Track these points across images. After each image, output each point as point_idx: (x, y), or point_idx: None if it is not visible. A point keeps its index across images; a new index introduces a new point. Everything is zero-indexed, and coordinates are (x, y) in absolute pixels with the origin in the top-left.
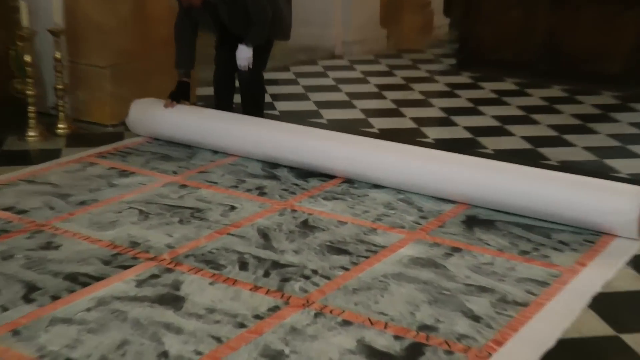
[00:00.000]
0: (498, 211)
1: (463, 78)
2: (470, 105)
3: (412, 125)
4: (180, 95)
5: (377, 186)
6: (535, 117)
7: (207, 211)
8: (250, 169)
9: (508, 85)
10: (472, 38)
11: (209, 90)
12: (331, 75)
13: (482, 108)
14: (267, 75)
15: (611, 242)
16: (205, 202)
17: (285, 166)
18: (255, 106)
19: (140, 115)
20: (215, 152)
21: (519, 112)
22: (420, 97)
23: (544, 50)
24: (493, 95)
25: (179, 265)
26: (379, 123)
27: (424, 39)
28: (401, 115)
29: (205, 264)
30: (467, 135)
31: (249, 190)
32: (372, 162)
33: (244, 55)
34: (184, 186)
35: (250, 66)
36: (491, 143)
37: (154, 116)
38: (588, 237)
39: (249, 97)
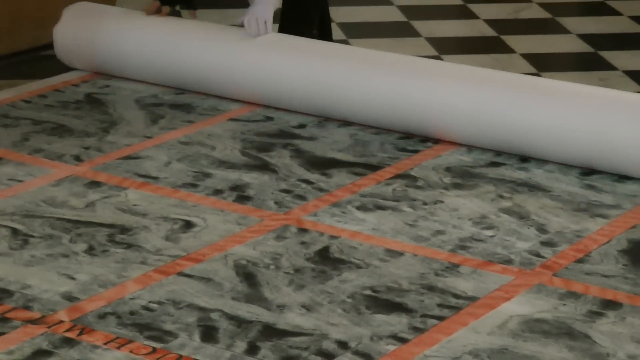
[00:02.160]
0: None
1: None
2: (596, 0)
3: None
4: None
5: (458, 184)
6: None
7: (140, 232)
8: (221, 152)
9: None
10: None
11: None
12: None
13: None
14: None
15: None
16: (135, 214)
17: (290, 147)
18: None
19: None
20: (157, 118)
21: None
22: (545, 15)
23: None
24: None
25: (87, 333)
26: None
27: None
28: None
29: (136, 330)
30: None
31: (217, 193)
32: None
33: (258, 8)
34: (95, 184)
35: (268, 29)
36: None
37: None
38: None
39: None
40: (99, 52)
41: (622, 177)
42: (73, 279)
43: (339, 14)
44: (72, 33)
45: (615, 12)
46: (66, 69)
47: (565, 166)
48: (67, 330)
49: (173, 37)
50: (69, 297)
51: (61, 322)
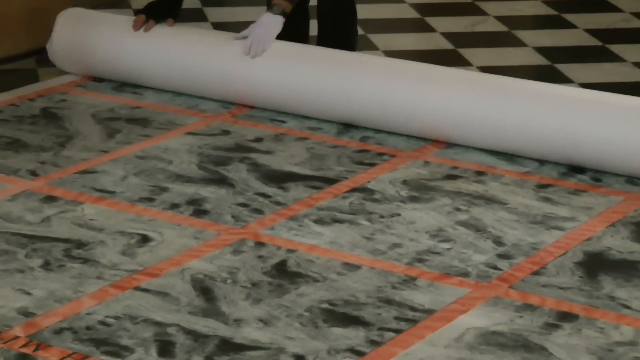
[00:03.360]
0: None
1: None
2: (596, 43)
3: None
4: (162, 9)
5: (415, 197)
6: None
7: (96, 247)
8: (178, 166)
9: None
10: None
11: None
12: None
13: (620, 50)
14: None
15: None
16: (92, 229)
17: (247, 161)
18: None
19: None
20: (114, 132)
21: None
22: (502, 28)
23: None
24: (639, 25)
25: (43, 349)
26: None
27: None
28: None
29: (93, 345)
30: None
31: (174, 207)
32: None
33: (265, 31)
34: (50, 199)
35: (264, 48)
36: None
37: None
38: None
39: (331, 32)
40: (99, 56)
41: (578, 190)
42: (29, 294)
43: None
44: (68, 38)
45: (570, 25)
46: (23, 83)
47: (521, 179)
48: (23, 346)
49: (176, 42)
50: (25, 313)
51: (17, 337)
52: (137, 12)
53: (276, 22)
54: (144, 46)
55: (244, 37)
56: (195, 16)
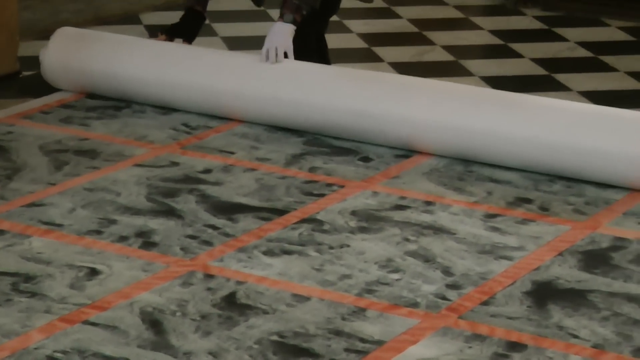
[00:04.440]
0: (594, 272)
1: (527, 20)
2: (536, 70)
3: None
4: (181, 29)
5: (364, 228)
6: None
7: (44, 280)
8: (126, 198)
9: (611, 33)
10: None
11: None
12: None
13: (561, 77)
14: (153, 18)
15: None
16: (39, 262)
17: (196, 193)
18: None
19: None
20: (62, 164)
21: (633, 86)
22: (449, 57)
23: None
24: (584, 54)
25: None
26: None
27: None
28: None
29: None
30: None
31: (123, 240)
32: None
33: (279, 38)
34: None
35: (288, 56)
36: None
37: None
38: None
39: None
40: (92, 72)
41: (526, 219)
42: None
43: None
44: (59, 56)
45: (517, 55)
46: None
47: (470, 209)
48: None
49: (162, 58)
50: None
51: None
52: (160, 32)
53: (288, 30)
54: (137, 63)
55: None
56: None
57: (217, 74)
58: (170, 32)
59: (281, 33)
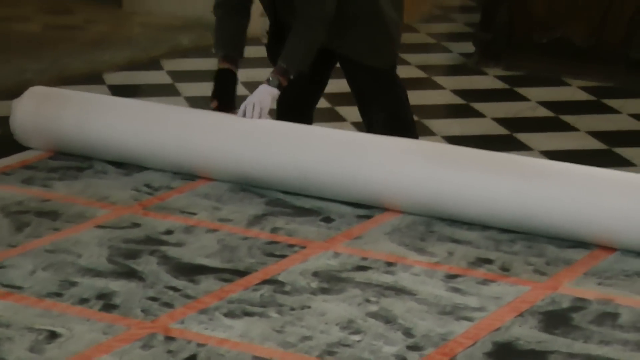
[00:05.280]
0: (554, 333)
1: (489, 80)
2: (499, 130)
3: None
4: (220, 92)
5: (325, 289)
6: (626, 152)
7: (3, 343)
8: (87, 259)
9: (573, 93)
10: (506, 4)
11: None
12: (245, 75)
13: (522, 136)
14: (116, 78)
15: None
16: None
17: (157, 254)
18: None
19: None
20: (23, 225)
21: (594, 144)
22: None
23: None
24: (544, 113)
25: None
26: None
27: (416, 8)
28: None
29: None
30: None
31: (83, 302)
32: None
33: (258, 96)
34: None
35: (262, 115)
36: None
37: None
38: None
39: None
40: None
41: (487, 280)
42: None
43: None
44: (29, 116)
45: (479, 114)
46: None
47: (431, 269)
48: None
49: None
50: None
51: None
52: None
53: (271, 91)
54: (105, 121)
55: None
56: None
57: (184, 131)
58: (215, 96)
59: (262, 93)
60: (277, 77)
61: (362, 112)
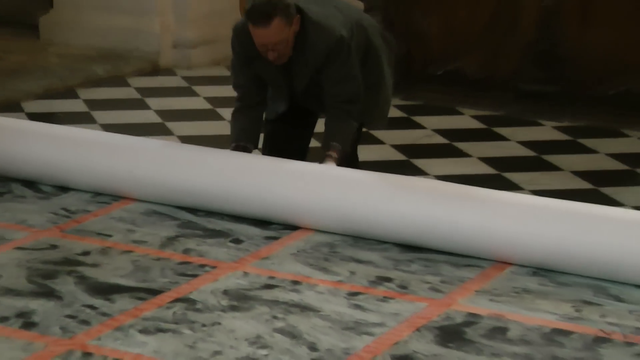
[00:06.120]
0: (448, 346)
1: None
2: (398, 156)
3: None
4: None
5: (235, 307)
6: (512, 176)
7: None
8: (7, 280)
9: (466, 121)
10: (404, 37)
11: None
12: (153, 104)
13: (419, 162)
14: (34, 106)
15: None
16: None
17: (74, 274)
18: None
19: None
20: None
21: (483, 169)
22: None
23: (531, 59)
24: (439, 140)
25: None
26: None
27: None
28: None
29: None
30: None
31: (4, 320)
32: None
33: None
34: None
35: None
36: None
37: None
38: None
39: None
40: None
41: (386, 297)
42: None
43: None
44: None
45: (378, 141)
46: None
47: (335, 288)
48: None
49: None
50: None
51: None
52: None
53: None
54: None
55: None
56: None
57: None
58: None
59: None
60: (335, 154)
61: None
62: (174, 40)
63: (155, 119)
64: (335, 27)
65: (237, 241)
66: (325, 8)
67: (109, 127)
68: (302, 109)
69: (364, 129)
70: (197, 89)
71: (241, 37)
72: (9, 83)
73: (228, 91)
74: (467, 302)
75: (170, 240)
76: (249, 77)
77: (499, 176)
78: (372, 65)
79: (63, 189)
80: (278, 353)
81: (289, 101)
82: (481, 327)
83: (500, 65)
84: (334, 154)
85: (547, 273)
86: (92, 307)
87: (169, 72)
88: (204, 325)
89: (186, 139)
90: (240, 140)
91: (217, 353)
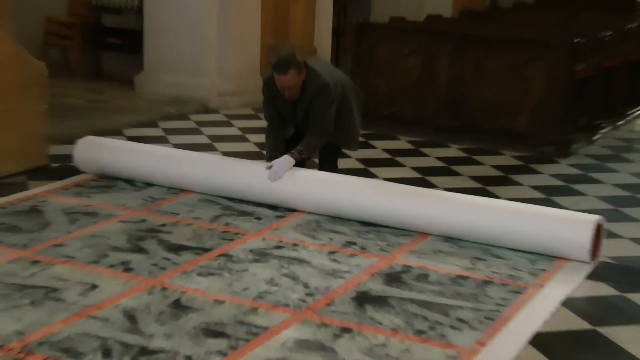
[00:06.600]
0: (391, 286)
1: None
2: (360, 166)
3: None
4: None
5: (257, 260)
6: (431, 179)
7: (64, 291)
8: (114, 241)
9: (403, 144)
10: (364, 90)
11: None
12: (205, 131)
13: (373, 169)
14: (131, 132)
15: (510, 320)
16: (60, 280)
17: (156, 237)
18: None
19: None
20: (75, 221)
21: (413, 174)
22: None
23: (444, 105)
24: (385, 155)
25: (30, 355)
26: None
27: None
28: None
29: (62, 352)
30: None
31: (112, 266)
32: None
33: (281, 167)
34: (35, 262)
35: (275, 178)
36: None
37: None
38: (488, 314)
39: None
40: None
41: (353, 255)
42: (21, 321)
43: None
44: (83, 153)
45: (347, 156)
46: (17, 190)
47: (319, 249)
48: (18, 353)
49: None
50: (19, 332)
51: (12, 349)
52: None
53: (291, 161)
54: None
55: (269, 167)
56: (164, 141)
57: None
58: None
59: (285, 162)
60: (297, 154)
61: (320, 159)
62: (217, 91)
63: (207, 140)
64: (325, 78)
65: (258, 218)
66: (322, 67)
67: (178, 146)
68: (302, 133)
69: (343, 150)
70: (233, 122)
71: (268, 84)
72: (115, 118)
73: (253, 124)
74: (403, 258)
75: (216, 217)
76: (273, 110)
77: (423, 179)
78: (345, 109)
79: (149, 184)
80: (284, 289)
81: (295, 127)
82: (412, 274)
83: (424, 109)
84: (295, 154)
85: (453, 240)
86: (167, 259)
87: (215, 111)
88: (237, 271)
89: (226, 154)
90: (272, 151)
91: (245, 289)
